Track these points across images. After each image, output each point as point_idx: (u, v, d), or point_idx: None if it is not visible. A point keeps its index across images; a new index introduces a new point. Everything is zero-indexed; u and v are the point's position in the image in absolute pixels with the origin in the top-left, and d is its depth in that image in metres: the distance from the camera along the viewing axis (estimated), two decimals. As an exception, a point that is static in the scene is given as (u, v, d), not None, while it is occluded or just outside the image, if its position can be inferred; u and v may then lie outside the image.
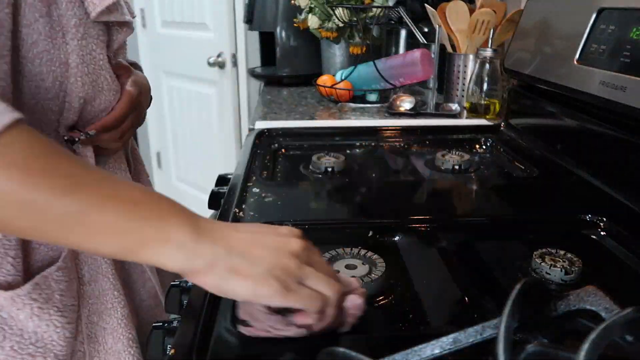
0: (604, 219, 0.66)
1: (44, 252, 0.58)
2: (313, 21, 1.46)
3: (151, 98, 0.81)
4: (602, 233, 0.65)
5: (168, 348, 0.47)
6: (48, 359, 0.57)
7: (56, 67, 0.54)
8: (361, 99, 1.39)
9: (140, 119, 0.70)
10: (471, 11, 1.22)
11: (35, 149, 0.37)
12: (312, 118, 1.21)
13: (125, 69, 0.66)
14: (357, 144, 1.05)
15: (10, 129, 0.36)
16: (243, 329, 0.43)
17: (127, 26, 0.63)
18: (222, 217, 0.66)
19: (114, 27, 0.62)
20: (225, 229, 0.40)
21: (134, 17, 0.74)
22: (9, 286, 0.54)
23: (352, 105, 1.32)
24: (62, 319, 0.58)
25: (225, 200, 0.72)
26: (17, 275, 0.54)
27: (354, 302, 0.44)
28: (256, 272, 0.38)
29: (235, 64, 2.30)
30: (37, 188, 0.36)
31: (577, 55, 0.81)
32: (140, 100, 0.67)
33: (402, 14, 1.29)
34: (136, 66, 0.79)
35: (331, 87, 1.35)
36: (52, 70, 0.53)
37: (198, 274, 0.38)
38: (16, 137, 0.36)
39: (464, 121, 1.17)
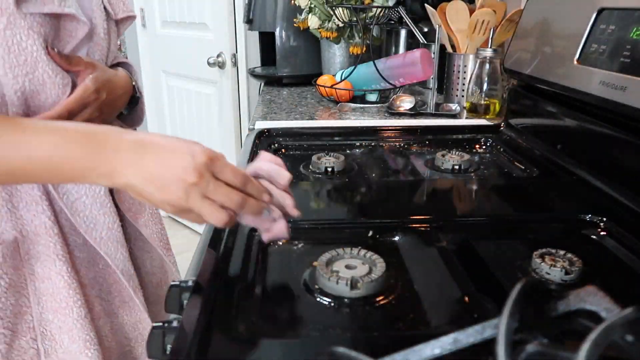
0: (604, 219, 0.66)
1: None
2: (313, 21, 1.46)
3: (137, 98, 0.79)
4: (602, 233, 0.65)
5: (168, 348, 0.47)
6: None
7: None
8: (361, 99, 1.39)
9: (102, 116, 0.68)
10: (471, 11, 1.22)
11: None
12: (312, 118, 1.21)
13: (87, 65, 0.64)
14: (357, 144, 1.05)
15: None
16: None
17: (75, 20, 0.62)
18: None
19: (62, 21, 0.61)
20: (137, 159, 0.47)
21: (119, 17, 0.73)
22: None
23: (352, 105, 1.32)
24: None
25: (225, 200, 0.72)
26: None
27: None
28: (155, 199, 0.47)
29: (235, 64, 2.30)
30: None
31: (577, 55, 0.81)
32: (100, 97, 0.65)
33: (402, 14, 1.29)
34: (126, 65, 0.78)
35: (331, 87, 1.35)
36: None
37: (119, 191, 0.50)
38: None
39: (464, 121, 1.17)
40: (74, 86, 0.63)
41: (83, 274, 0.68)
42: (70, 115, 0.62)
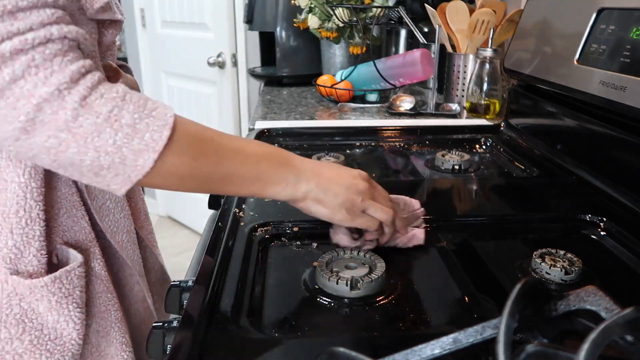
0: (604, 219, 0.66)
1: (68, 248, 0.59)
2: (313, 21, 1.46)
3: None
4: (602, 233, 0.65)
5: (168, 348, 0.47)
6: (66, 357, 0.57)
7: None
8: (361, 99, 1.39)
9: None
10: (471, 11, 1.22)
11: (191, 136, 0.48)
12: (312, 118, 1.21)
13: (115, 71, 0.65)
14: (357, 144, 1.05)
15: (175, 120, 0.46)
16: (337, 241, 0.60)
17: (118, 26, 0.63)
18: (222, 217, 0.66)
19: (104, 26, 0.61)
20: (316, 169, 0.55)
21: (123, 18, 0.74)
22: (29, 275, 0.55)
23: (352, 105, 1.32)
24: (81, 315, 0.58)
25: (225, 200, 0.72)
26: (40, 267, 0.55)
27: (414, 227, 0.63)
28: (333, 203, 0.55)
29: (235, 64, 2.30)
30: (202, 166, 0.49)
31: (577, 55, 0.81)
32: None
33: (402, 14, 1.29)
34: (125, 68, 0.78)
35: (331, 87, 1.35)
36: None
37: (297, 202, 0.55)
38: (180, 127, 0.47)
39: (464, 121, 1.17)
40: None
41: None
42: None
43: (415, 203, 0.65)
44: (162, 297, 0.75)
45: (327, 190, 0.54)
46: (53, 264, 0.58)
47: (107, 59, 0.67)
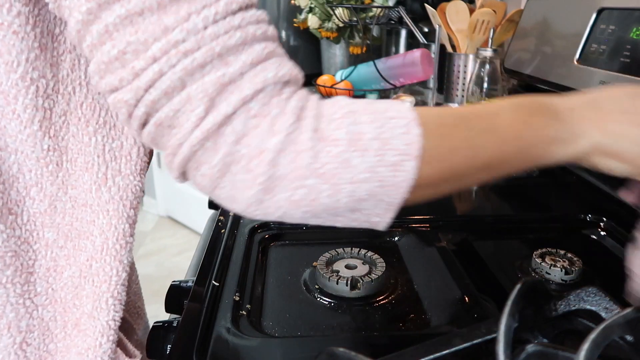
0: (604, 219, 0.66)
1: None
2: (313, 21, 1.46)
3: None
4: (602, 233, 0.65)
5: (168, 348, 0.47)
6: None
7: None
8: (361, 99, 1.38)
9: None
10: (471, 11, 1.22)
11: (436, 127, 0.38)
12: (312, 118, 1.21)
13: None
14: (357, 144, 1.05)
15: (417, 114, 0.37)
16: None
17: None
18: (222, 217, 0.66)
19: None
20: (597, 116, 0.42)
21: None
22: None
23: (352, 105, 1.31)
24: None
25: (225, 200, 0.72)
26: None
27: None
28: (632, 154, 0.42)
29: (235, 64, 2.29)
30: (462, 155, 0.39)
31: (577, 55, 0.81)
32: None
33: (402, 14, 1.29)
34: None
35: (331, 87, 1.35)
36: None
37: (582, 159, 0.43)
38: (424, 121, 0.37)
39: (464, 121, 1.17)
40: None
41: None
42: None
43: None
44: None
45: (622, 140, 0.42)
46: None
47: None
